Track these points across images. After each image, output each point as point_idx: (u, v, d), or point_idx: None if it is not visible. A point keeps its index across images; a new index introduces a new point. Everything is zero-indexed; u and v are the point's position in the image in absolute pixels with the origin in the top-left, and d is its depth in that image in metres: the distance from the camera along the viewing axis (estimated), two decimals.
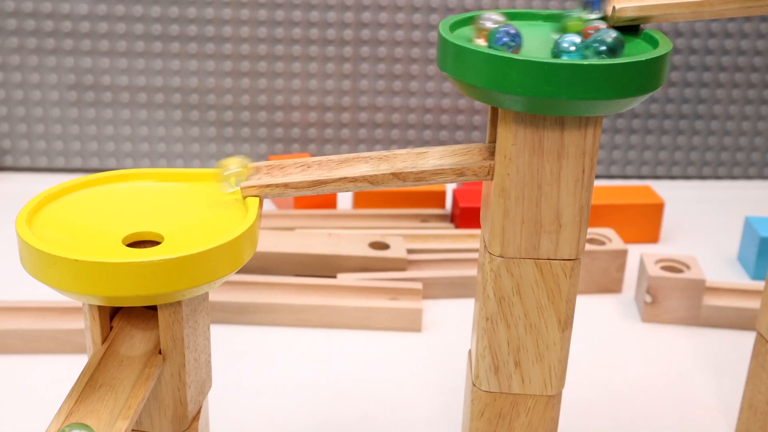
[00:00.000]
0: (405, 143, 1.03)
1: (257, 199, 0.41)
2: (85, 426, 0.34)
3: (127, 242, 0.39)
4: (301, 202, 0.90)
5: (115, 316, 0.41)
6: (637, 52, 0.40)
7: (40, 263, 0.36)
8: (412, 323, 0.71)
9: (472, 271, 0.76)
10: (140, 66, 0.97)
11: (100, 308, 0.39)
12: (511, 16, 0.45)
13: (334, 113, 1.01)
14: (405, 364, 0.67)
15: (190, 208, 0.41)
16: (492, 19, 0.41)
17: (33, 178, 1.00)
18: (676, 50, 1.01)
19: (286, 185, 0.42)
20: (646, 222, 0.88)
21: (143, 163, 1.01)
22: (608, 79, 0.37)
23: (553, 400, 0.45)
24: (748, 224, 0.83)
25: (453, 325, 0.72)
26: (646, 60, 0.37)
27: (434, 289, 0.76)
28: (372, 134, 1.03)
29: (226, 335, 0.69)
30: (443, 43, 0.40)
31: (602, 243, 0.78)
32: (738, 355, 0.69)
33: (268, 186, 0.42)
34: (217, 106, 1.00)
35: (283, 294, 0.72)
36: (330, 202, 0.91)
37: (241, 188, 0.42)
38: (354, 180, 0.42)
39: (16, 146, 1.00)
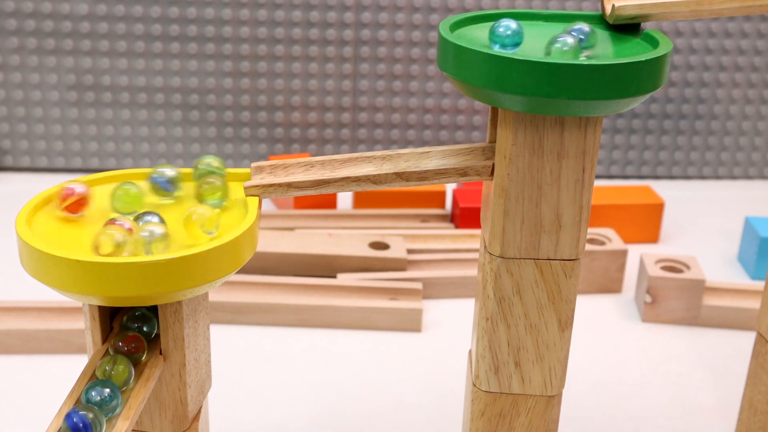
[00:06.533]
0: (405, 143, 1.03)
1: (257, 198, 0.41)
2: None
3: None
4: (301, 202, 0.90)
5: (115, 317, 0.41)
6: (637, 52, 0.40)
7: (40, 263, 0.36)
8: (412, 323, 0.71)
9: (472, 271, 0.76)
10: (140, 66, 0.98)
11: (100, 308, 0.39)
12: (511, 17, 0.45)
13: (334, 113, 1.01)
14: (405, 364, 0.67)
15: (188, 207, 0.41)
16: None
17: (33, 178, 1.00)
18: (676, 50, 1.01)
19: (289, 185, 0.42)
20: (646, 222, 0.88)
21: (143, 163, 1.01)
22: (608, 79, 0.37)
23: (553, 401, 0.45)
24: (748, 224, 0.83)
25: (453, 325, 0.72)
26: (646, 60, 0.37)
27: (434, 289, 0.76)
28: (372, 134, 1.03)
29: (226, 335, 0.69)
30: (443, 43, 0.40)
31: (602, 243, 0.78)
32: (738, 355, 0.69)
33: (271, 185, 0.42)
34: (217, 106, 1.00)
35: (283, 294, 0.72)
36: (330, 202, 0.91)
37: (245, 188, 0.42)
38: (357, 180, 0.42)
39: (16, 146, 1.00)
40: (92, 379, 0.37)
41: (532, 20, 0.45)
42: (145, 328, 0.40)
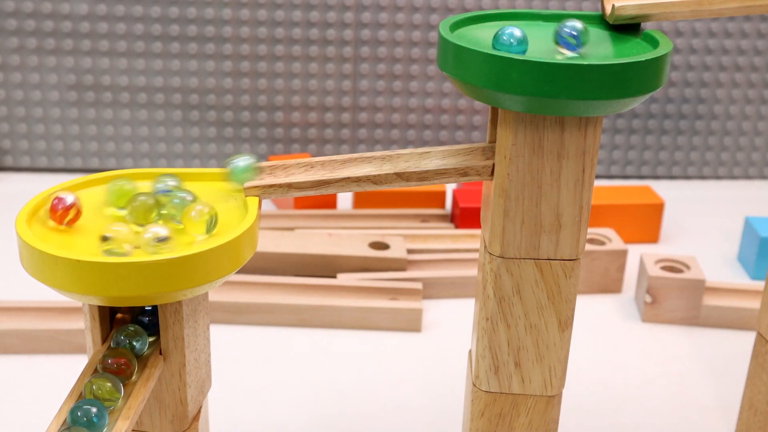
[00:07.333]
0: (405, 143, 1.03)
1: (257, 198, 0.41)
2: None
3: None
4: (301, 202, 0.90)
5: (115, 316, 0.41)
6: (637, 52, 0.40)
7: (41, 263, 0.36)
8: (412, 323, 0.71)
9: (472, 271, 0.76)
10: (140, 66, 0.98)
11: (100, 308, 0.39)
12: (512, 17, 0.45)
13: (334, 113, 1.01)
14: (405, 364, 0.67)
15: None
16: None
17: (33, 178, 1.00)
18: (676, 50, 1.01)
19: (289, 185, 0.42)
20: (646, 222, 0.88)
21: (143, 163, 1.01)
22: (608, 79, 0.37)
23: (553, 401, 0.45)
24: (748, 224, 0.83)
25: (453, 325, 0.72)
26: (646, 60, 0.37)
27: (434, 289, 0.76)
28: (372, 134, 1.03)
29: (226, 335, 0.69)
30: (443, 43, 0.40)
31: (602, 243, 0.78)
32: (738, 355, 0.69)
33: (271, 186, 0.42)
34: (217, 106, 1.00)
35: (283, 294, 0.72)
36: (330, 202, 0.91)
37: (245, 188, 0.42)
38: (357, 180, 0.42)
39: (16, 146, 1.00)
40: (80, 398, 0.37)
41: (532, 20, 0.45)
42: (136, 345, 0.39)
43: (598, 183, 1.01)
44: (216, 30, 0.97)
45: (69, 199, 0.38)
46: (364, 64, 1.00)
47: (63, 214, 0.38)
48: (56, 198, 0.38)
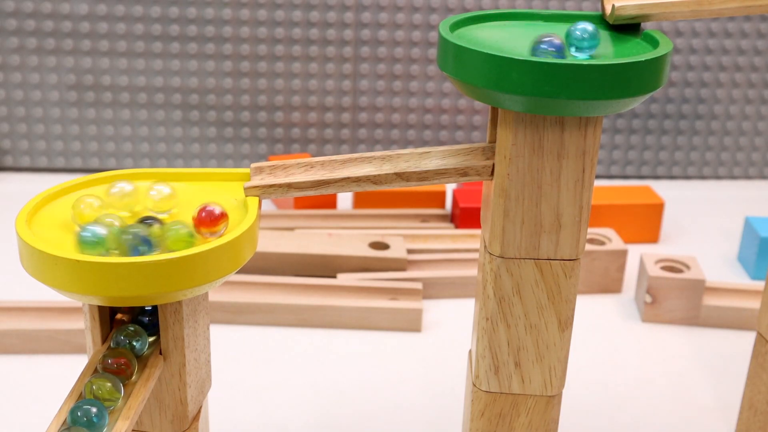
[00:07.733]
0: (405, 143, 1.03)
1: (257, 198, 0.41)
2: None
3: None
4: (301, 202, 0.90)
5: (115, 316, 0.41)
6: (637, 52, 0.41)
7: (41, 263, 0.36)
8: (412, 323, 0.71)
9: (472, 271, 0.76)
10: (140, 66, 0.98)
11: (100, 308, 0.39)
12: (512, 17, 0.45)
13: (334, 113, 1.01)
14: (405, 364, 0.67)
15: (189, 207, 0.41)
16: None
17: (33, 178, 1.00)
18: (676, 50, 1.01)
19: (289, 185, 0.42)
20: (646, 222, 0.88)
21: (143, 163, 1.01)
22: (608, 79, 0.37)
23: (553, 401, 0.45)
24: (748, 224, 0.83)
25: (453, 325, 0.72)
26: (646, 60, 0.37)
27: (434, 289, 0.76)
28: (372, 134, 1.03)
29: (226, 335, 0.69)
30: (443, 43, 0.40)
31: (602, 243, 0.78)
32: (738, 355, 0.69)
33: (271, 186, 0.42)
34: (217, 106, 1.00)
35: (283, 294, 0.72)
36: (330, 202, 0.91)
37: (245, 188, 0.42)
38: (357, 180, 0.42)
39: (16, 146, 1.00)
40: (80, 398, 0.37)
41: (532, 20, 0.45)
42: (136, 345, 0.39)
43: (598, 183, 1.01)
44: (216, 30, 0.97)
45: (216, 210, 0.38)
46: (364, 64, 1.00)
47: (213, 223, 0.38)
48: (204, 210, 0.38)
